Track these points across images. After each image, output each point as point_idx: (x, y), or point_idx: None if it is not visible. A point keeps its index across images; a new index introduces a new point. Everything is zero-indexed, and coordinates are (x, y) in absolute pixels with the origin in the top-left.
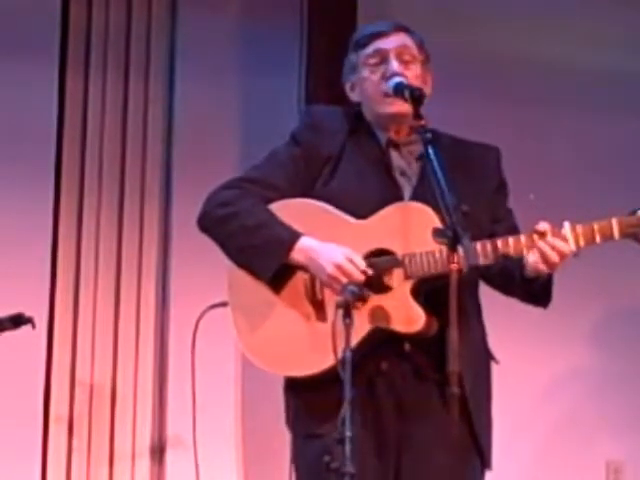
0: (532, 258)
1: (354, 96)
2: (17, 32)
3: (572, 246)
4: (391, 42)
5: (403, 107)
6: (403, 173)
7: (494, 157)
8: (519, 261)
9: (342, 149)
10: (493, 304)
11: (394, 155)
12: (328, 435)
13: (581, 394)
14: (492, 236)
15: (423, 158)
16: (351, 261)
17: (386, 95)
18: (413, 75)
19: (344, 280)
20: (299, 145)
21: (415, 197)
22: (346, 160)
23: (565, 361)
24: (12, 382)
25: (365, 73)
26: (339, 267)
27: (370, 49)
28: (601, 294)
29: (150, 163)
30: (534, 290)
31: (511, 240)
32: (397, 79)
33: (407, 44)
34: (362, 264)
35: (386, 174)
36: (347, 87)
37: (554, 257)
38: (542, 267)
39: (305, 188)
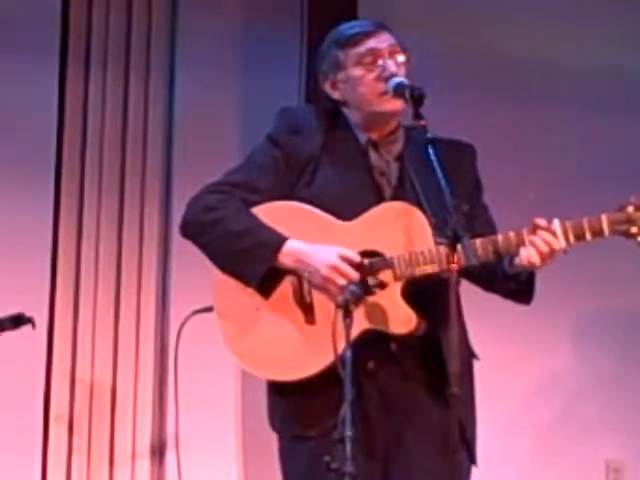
0: (524, 253)
1: (336, 94)
2: (17, 32)
3: (562, 242)
4: (383, 41)
5: (400, 106)
6: (383, 173)
7: (470, 154)
8: (501, 257)
9: (321, 149)
10: (491, 302)
11: (373, 156)
12: (319, 437)
13: (581, 393)
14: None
15: (402, 158)
16: (345, 258)
17: (383, 94)
18: (403, 74)
19: (340, 281)
20: (278, 146)
21: (395, 197)
22: (326, 161)
23: (565, 360)
24: (12, 382)
25: (357, 72)
26: (334, 268)
27: (363, 48)
28: (600, 293)
29: (150, 163)
30: (516, 287)
31: (512, 235)
32: (398, 79)
33: (395, 44)
34: (356, 258)
35: (366, 175)
36: (327, 85)
37: (546, 250)
38: (534, 261)
39: (286, 190)
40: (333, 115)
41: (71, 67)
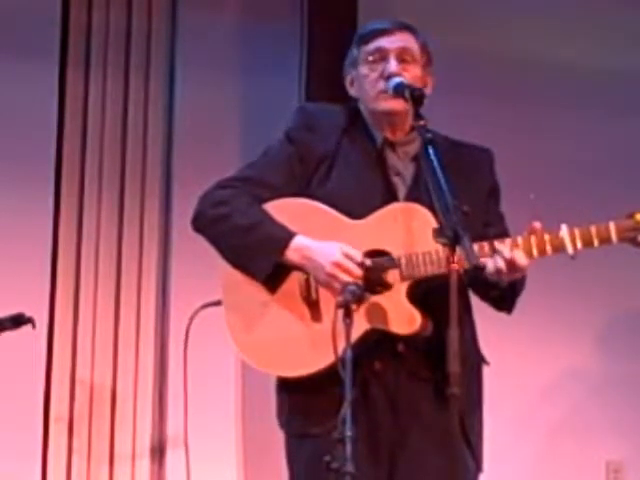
0: (490, 262)
1: (352, 91)
2: (17, 32)
3: (570, 249)
4: (393, 42)
5: (398, 105)
6: (398, 173)
7: (488, 159)
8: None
9: (337, 148)
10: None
11: (390, 155)
12: (322, 435)
13: (581, 394)
14: (483, 239)
15: (418, 159)
16: (348, 256)
17: (381, 92)
18: (412, 76)
19: (343, 278)
20: (294, 144)
21: (409, 198)
22: (341, 159)
23: (565, 361)
24: (12, 382)
25: (364, 70)
26: (337, 265)
27: (371, 46)
28: (601, 295)
29: (150, 163)
30: (497, 294)
31: (508, 242)
32: (397, 79)
33: (409, 45)
34: (359, 256)
35: (381, 174)
36: (347, 81)
37: (502, 266)
38: (500, 267)
39: (300, 187)
40: (353, 114)
41: (71, 67)
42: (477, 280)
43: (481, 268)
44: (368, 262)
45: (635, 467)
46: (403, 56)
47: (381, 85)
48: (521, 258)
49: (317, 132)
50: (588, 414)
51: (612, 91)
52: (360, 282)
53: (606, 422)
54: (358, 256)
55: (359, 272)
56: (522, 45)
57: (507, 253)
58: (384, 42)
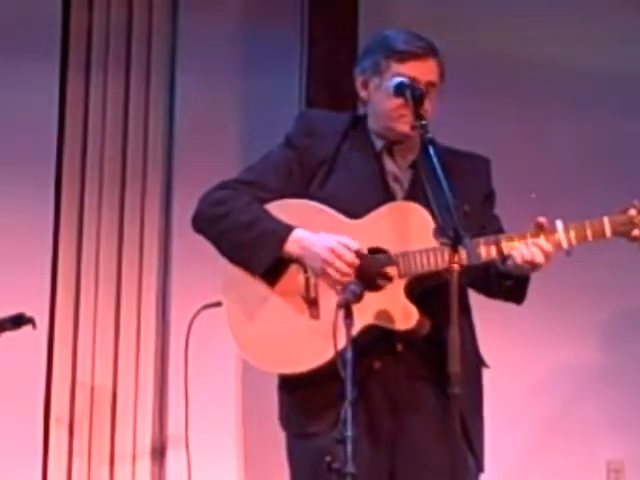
0: (518, 255)
1: (363, 93)
2: (18, 32)
3: (564, 244)
4: (425, 73)
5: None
6: (396, 179)
7: (484, 168)
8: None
9: (336, 153)
10: (490, 301)
11: (388, 161)
12: (321, 434)
13: (581, 393)
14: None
15: (416, 166)
16: (343, 244)
17: (402, 116)
18: (431, 105)
19: (337, 263)
20: (293, 149)
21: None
22: (340, 164)
23: (565, 360)
24: (13, 382)
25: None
26: (332, 250)
27: (405, 71)
28: (600, 292)
29: (150, 163)
30: (511, 284)
31: (515, 236)
32: (398, 79)
33: (435, 79)
34: (354, 244)
35: (380, 180)
36: (359, 80)
37: (539, 258)
38: (527, 266)
39: (299, 191)
40: (355, 121)
41: (72, 68)
42: (489, 273)
43: (504, 258)
44: (364, 250)
45: (636, 466)
46: (429, 88)
47: (405, 111)
48: (547, 247)
49: (317, 137)
50: (589, 413)
51: (612, 91)
52: (355, 273)
53: (607, 421)
54: (353, 244)
55: (353, 258)
56: (522, 45)
57: (547, 245)
58: (417, 71)
